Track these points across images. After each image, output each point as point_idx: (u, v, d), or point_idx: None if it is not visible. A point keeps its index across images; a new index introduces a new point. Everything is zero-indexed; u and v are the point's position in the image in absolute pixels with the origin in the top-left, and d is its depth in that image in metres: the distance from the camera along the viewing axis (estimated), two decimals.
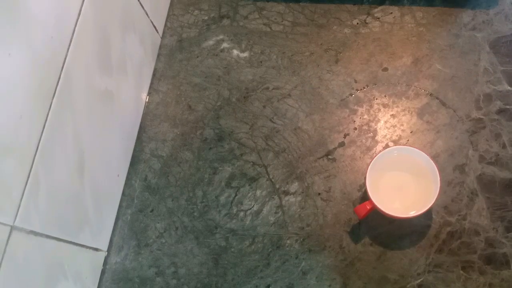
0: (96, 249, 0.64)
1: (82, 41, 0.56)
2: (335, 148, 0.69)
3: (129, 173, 0.72)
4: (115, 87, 0.65)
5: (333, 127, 0.70)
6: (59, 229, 0.54)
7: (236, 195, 0.69)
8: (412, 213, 0.59)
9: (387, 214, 0.59)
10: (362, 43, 0.75)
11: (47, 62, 0.50)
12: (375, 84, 0.72)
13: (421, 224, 0.64)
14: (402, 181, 0.63)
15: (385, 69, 0.73)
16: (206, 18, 0.81)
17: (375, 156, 0.62)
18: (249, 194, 0.68)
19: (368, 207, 0.60)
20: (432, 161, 0.60)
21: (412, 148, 0.62)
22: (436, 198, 0.58)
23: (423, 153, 0.61)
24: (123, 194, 0.71)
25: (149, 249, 0.67)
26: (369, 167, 0.61)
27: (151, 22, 0.76)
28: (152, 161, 0.72)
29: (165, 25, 0.82)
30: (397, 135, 0.69)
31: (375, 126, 0.70)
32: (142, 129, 0.75)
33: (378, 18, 0.77)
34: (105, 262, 0.67)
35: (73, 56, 0.54)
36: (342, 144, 0.69)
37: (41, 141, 0.50)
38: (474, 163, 0.66)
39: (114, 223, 0.69)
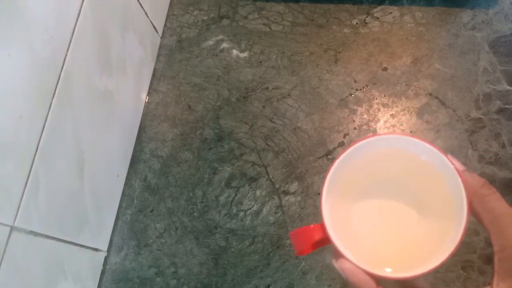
0: (96, 249, 0.64)
1: (82, 41, 0.56)
2: (334, 148, 0.69)
3: (129, 173, 0.72)
4: (114, 87, 0.65)
5: (333, 127, 0.70)
6: (59, 229, 0.54)
7: (236, 195, 0.69)
8: (391, 273, 0.32)
9: (347, 259, 0.32)
10: (361, 43, 0.75)
11: (47, 62, 0.50)
12: (375, 84, 0.72)
13: None
14: (394, 206, 0.37)
15: (385, 69, 0.73)
16: (206, 18, 0.81)
17: (342, 153, 0.35)
18: (249, 194, 0.68)
19: (316, 237, 0.34)
20: (455, 171, 0.33)
21: (413, 139, 0.34)
22: (453, 251, 0.31)
23: (438, 151, 0.33)
24: (123, 194, 0.71)
25: (149, 249, 0.67)
26: (333, 167, 0.35)
27: (151, 22, 0.76)
28: (152, 161, 0.72)
29: (165, 25, 0.82)
30: None
31: (375, 126, 0.70)
32: (141, 129, 0.75)
33: (378, 18, 0.77)
34: (105, 262, 0.67)
35: (73, 56, 0.54)
36: (341, 144, 0.69)
37: (40, 141, 0.50)
38: (473, 162, 0.66)
39: (114, 223, 0.69)
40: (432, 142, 0.35)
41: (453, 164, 0.33)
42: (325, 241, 0.34)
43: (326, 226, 0.33)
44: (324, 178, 0.35)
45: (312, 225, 0.34)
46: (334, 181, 0.34)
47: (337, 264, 0.33)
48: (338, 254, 0.33)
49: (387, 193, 0.37)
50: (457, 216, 0.32)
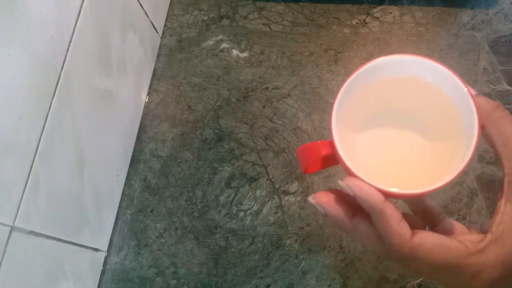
0: (96, 249, 0.64)
1: (82, 41, 0.56)
2: None
3: (129, 173, 0.72)
4: (115, 87, 0.65)
5: None
6: (59, 229, 0.54)
7: (236, 195, 0.68)
8: (407, 191, 0.31)
9: (355, 175, 0.31)
10: (361, 43, 0.75)
11: (47, 62, 0.50)
12: None
13: None
14: (400, 132, 0.36)
15: None
16: (206, 18, 0.81)
17: (354, 73, 0.33)
18: (249, 194, 0.68)
19: (323, 152, 0.33)
20: (469, 96, 0.32)
21: (429, 62, 0.33)
22: (462, 170, 0.30)
23: (455, 76, 0.33)
24: (123, 194, 0.71)
25: (149, 249, 0.67)
26: (342, 90, 0.33)
27: (151, 22, 0.76)
28: (152, 161, 0.72)
29: (165, 25, 0.82)
30: None
31: None
32: (142, 129, 0.75)
33: (378, 18, 0.77)
34: (105, 263, 0.67)
35: (73, 56, 0.54)
36: None
37: (40, 141, 0.50)
38: (473, 162, 0.66)
39: (114, 223, 0.69)
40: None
41: (466, 87, 0.32)
42: (332, 159, 0.33)
43: (335, 142, 0.31)
44: (333, 102, 0.33)
45: (319, 141, 0.33)
46: (341, 106, 0.32)
47: (344, 182, 0.32)
48: (346, 173, 0.32)
49: (393, 120, 0.36)
50: (466, 138, 0.31)
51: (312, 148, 0.33)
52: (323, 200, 0.34)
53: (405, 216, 0.33)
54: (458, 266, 0.30)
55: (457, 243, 0.31)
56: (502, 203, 0.31)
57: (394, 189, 0.31)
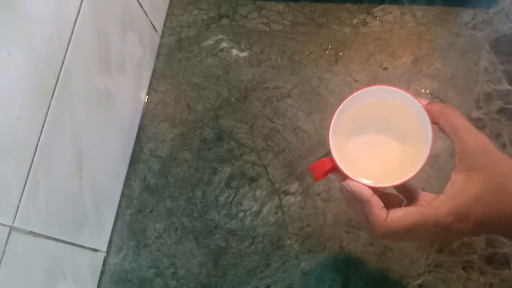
0: (95, 250, 0.64)
1: (81, 40, 0.56)
2: None
3: (128, 174, 0.72)
4: (114, 87, 0.65)
5: None
6: (59, 229, 0.54)
7: (235, 196, 0.68)
8: (385, 184, 0.44)
9: (351, 178, 0.45)
10: (362, 42, 0.75)
11: (46, 61, 0.50)
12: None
13: None
14: (380, 139, 0.49)
15: (385, 69, 0.73)
16: (206, 17, 0.81)
17: (342, 102, 0.46)
18: (249, 195, 0.68)
19: (327, 166, 0.47)
20: (423, 110, 0.44)
21: (394, 89, 0.45)
22: (422, 167, 0.43)
23: (412, 97, 0.44)
24: (122, 194, 0.70)
25: (148, 250, 0.67)
26: (335, 116, 0.46)
27: (150, 21, 0.76)
28: (151, 162, 0.72)
29: (164, 24, 0.82)
30: None
31: None
32: (141, 129, 0.74)
33: (378, 18, 0.76)
34: (104, 263, 0.67)
35: (72, 56, 0.54)
36: None
37: (40, 141, 0.49)
38: None
39: (113, 224, 0.69)
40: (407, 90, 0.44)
41: (420, 102, 0.44)
42: (333, 169, 0.46)
43: (334, 158, 0.45)
44: (329, 124, 0.46)
45: (324, 158, 0.47)
46: (335, 126, 0.46)
47: (345, 183, 0.44)
48: (344, 177, 0.45)
49: (374, 130, 0.49)
50: (425, 142, 0.43)
51: (320, 164, 0.47)
52: (350, 182, 0.44)
53: (389, 196, 0.47)
54: (422, 222, 0.41)
55: (415, 207, 0.42)
56: (453, 174, 0.42)
57: (372, 183, 0.44)
